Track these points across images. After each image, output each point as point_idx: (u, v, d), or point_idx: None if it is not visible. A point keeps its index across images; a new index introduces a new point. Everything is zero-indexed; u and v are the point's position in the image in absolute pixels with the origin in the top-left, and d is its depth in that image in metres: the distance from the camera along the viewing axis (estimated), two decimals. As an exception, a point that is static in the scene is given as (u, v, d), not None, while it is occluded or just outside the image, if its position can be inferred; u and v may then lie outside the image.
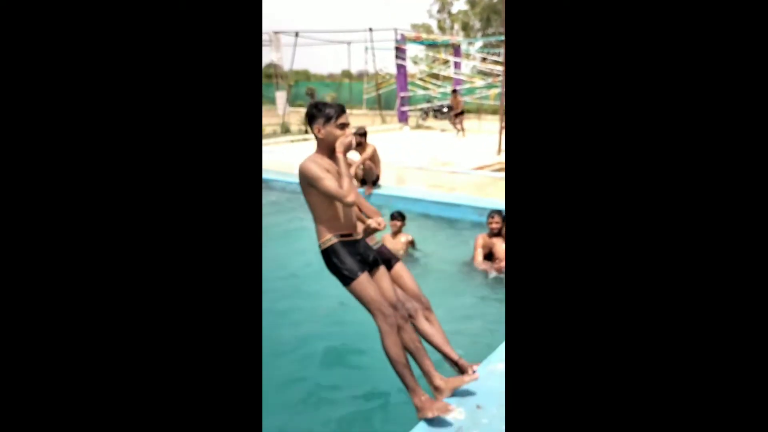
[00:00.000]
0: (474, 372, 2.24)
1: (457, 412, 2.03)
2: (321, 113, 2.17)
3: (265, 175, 7.31)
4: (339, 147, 2.16)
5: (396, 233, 4.38)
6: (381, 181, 6.29)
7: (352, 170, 6.03)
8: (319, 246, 2.24)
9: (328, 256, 2.21)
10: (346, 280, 2.18)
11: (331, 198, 2.14)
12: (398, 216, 4.41)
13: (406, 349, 2.16)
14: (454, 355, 2.36)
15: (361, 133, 6.10)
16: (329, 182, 2.10)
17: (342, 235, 2.21)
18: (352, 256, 2.20)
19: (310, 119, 2.22)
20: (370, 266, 2.26)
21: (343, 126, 2.18)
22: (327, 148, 2.19)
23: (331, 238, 2.20)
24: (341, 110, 2.20)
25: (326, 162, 2.17)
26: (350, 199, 2.11)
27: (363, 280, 2.16)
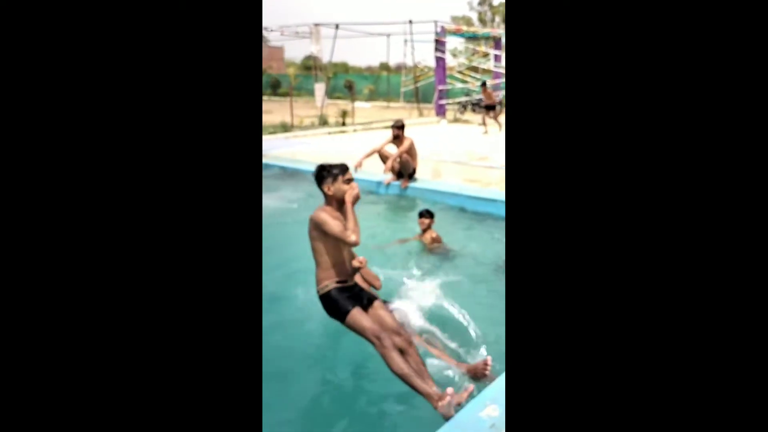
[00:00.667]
0: (486, 365, 2.41)
1: (491, 409, 2.02)
2: (329, 174, 2.51)
3: (301, 167, 7.40)
4: (348, 198, 2.47)
5: (425, 231, 4.38)
6: (417, 175, 6.27)
7: (389, 163, 6.04)
8: (317, 291, 2.51)
9: (325, 300, 2.48)
10: (342, 316, 2.41)
11: (336, 240, 2.42)
12: (426, 214, 4.41)
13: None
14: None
15: (399, 126, 6.08)
16: (335, 225, 2.39)
17: (338, 281, 2.49)
18: (346, 298, 2.45)
19: (319, 180, 2.54)
20: (364, 304, 2.49)
21: (349, 181, 2.51)
22: (336, 202, 2.52)
23: (328, 284, 2.48)
24: (345, 168, 2.54)
25: (335, 213, 2.48)
26: (353, 239, 2.37)
27: (355, 313, 2.38)
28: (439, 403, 2.05)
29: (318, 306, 2.58)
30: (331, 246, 2.45)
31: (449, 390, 2.07)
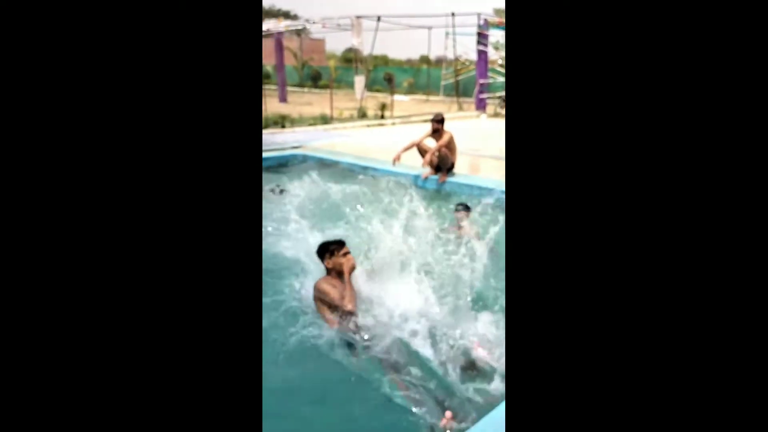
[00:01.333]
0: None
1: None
2: (326, 250, 2.97)
3: (340, 159, 7.45)
4: (346, 268, 2.88)
5: (460, 225, 4.33)
6: (455, 169, 6.22)
7: (428, 157, 6.01)
8: None
9: None
10: None
11: (334, 306, 2.80)
12: (463, 208, 4.36)
13: None
14: None
15: (439, 120, 6.04)
16: (334, 295, 2.81)
17: None
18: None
19: (320, 256, 2.99)
20: None
21: (346, 254, 2.92)
22: (336, 273, 2.94)
23: None
24: (342, 243, 2.98)
25: (334, 282, 2.89)
26: (349, 307, 2.74)
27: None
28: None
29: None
30: (333, 309, 2.82)
31: (448, 414, 2.09)
